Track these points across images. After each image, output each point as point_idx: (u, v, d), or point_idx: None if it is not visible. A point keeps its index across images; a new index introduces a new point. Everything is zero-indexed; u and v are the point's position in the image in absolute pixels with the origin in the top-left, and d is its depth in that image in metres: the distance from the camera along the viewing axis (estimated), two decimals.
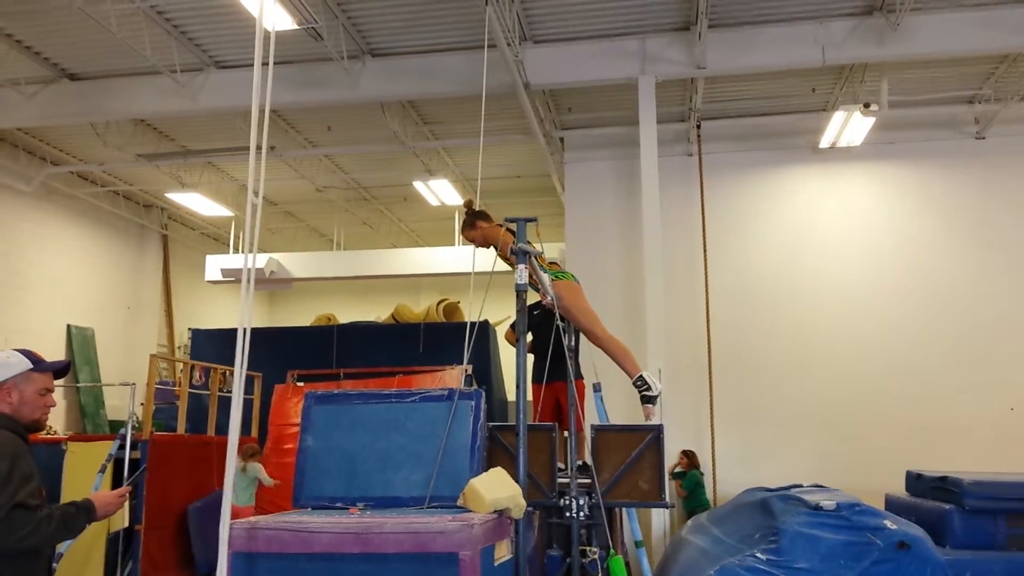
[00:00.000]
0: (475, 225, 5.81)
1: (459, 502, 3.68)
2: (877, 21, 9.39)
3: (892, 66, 10.24)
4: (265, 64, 2.95)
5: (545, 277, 5.13)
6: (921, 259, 11.35)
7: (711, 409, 11.03)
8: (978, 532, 6.34)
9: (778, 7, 9.38)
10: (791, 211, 11.79)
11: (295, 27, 8.50)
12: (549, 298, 5.15)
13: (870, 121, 10.66)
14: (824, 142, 11.37)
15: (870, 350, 11.16)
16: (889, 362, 11.07)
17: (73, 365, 14.40)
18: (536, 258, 5.04)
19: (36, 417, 3.34)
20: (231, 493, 2.95)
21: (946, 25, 9.30)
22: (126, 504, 7.63)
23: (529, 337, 6.87)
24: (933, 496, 6.97)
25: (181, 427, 9.37)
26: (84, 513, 3.25)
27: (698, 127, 11.70)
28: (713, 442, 10.97)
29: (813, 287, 11.48)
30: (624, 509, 6.64)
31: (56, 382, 3.51)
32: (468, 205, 5.88)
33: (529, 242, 4.82)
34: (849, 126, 10.79)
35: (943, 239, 11.39)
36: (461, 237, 15.96)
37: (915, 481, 7.57)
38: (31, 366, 3.31)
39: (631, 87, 10.04)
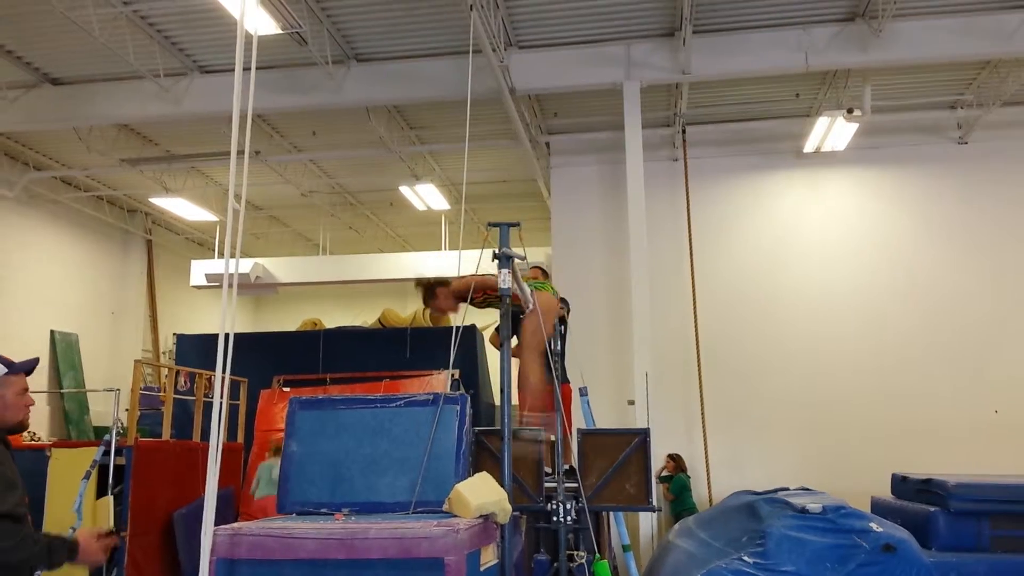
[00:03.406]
0: (436, 294, 5.80)
1: (444, 507, 3.67)
2: (860, 27, 9.45)
3: (875, 72, 10.32)
4: (248, 69, 2.94)
5: (526, 286, 5.13)
6: (905, 263, 11.43)
7: (702, 412, 11.04)
8: (963, 534, 6.37)
9: (762, 13, 9.43)
10: (776, 215, 11.84)
11: (279, 32, 8.48)
12: (531, 306, 5.16)
13: (853, 126, 10.73)
14: (808, 147, 11.43)
15: (855, 353, 11.22)
16: (874, 365, 11.14)
17: (57, 371, 14.30)
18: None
19: (20, 419, 3.34)
20: (214, 500, 2.92)
21: (928, 31, 9.38)
22: (111, 510, 7.58)
23: (515, 342, 6.87)
24: (918, 498, 7.01)
25: (166, 433, 9.31)
26: (68, 552, 3.18)
27: (683, 132, 11.74)
28: (706, 445, 10.99)
29: (798, 290, 11.54)
30: (611, 513, 6.65)
31: (40, 387, 3.52)
32: (419, 283, 5.85)
33: (519, 248, 4.81)
34: (833, 131, 10.85)
35: (926, 243, 11.47)
36: (448, 241, 15.97)
37: (900, 483, 7.60)
38: (5, 370, 3.30)
39: (616, 92, 10.07)
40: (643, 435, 5.17)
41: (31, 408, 3.44)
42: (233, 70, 2.87)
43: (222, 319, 2.79)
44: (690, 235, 11.59)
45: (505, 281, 4.32)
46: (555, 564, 4.97)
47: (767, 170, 11.98)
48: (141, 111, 10.85)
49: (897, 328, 11.24)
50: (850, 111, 10.34)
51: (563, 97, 11.28)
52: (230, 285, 2.86)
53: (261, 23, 8.16)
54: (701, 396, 11.11)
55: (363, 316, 16.46)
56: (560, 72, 10.07)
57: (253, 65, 2.96)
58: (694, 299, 11.42)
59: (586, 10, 9.34)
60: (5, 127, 11.41)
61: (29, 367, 3.45)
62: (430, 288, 5.83)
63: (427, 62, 10.19)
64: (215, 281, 15.46)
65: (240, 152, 2.95)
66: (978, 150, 11.55)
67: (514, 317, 6.28)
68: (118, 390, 8.72)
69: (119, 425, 8.26)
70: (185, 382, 10.50)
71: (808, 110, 11.62)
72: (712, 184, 11.91)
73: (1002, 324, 11.08)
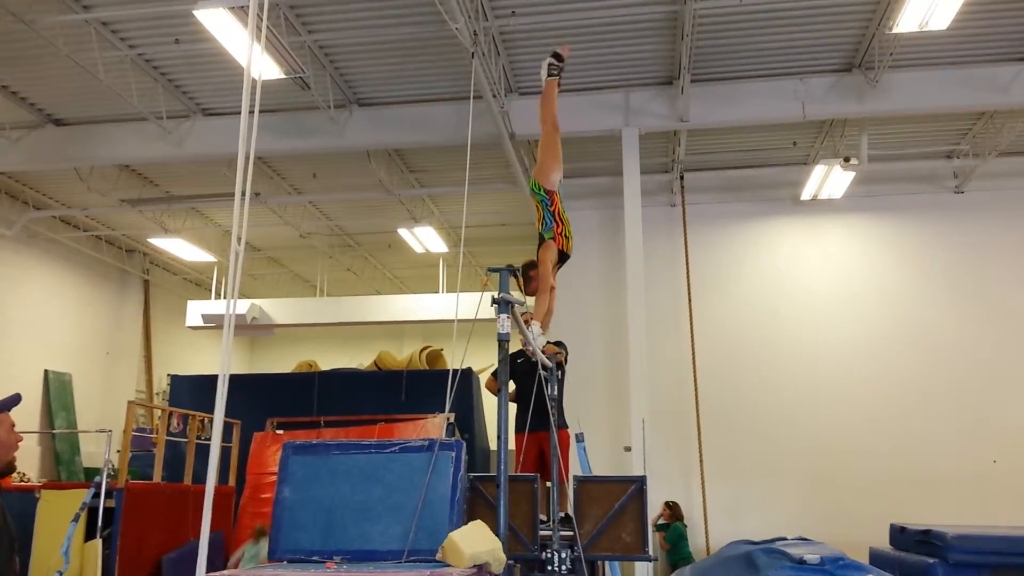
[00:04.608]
0: (531, 276, 5.90)
1: (438, 556, 3.62)
2: (856, 78, 9.58)
3: (871, 121, 10.42)
4: (252, 112, 2.96)
5: (529, 332, 5.10)
6: (902, 311, 11.44)
7: (700, 460, 10.97)
8: None
9: (759, 63, 9.55)
10: (774, 262, 11.88)
11: (282, 76, 8.57)
12: (531, 348, 5.14)
13: (850, 175, 10.82)
14: (805, 195, 11.51)
15: (853, 401, 11.18)
16: (872, 413, 11.08)
17: (49, 411, 14.19)
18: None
19: (11, 457, 3.31)
20: (207, 544, 2.87)
21: (924, 82, 9.50)
22: (99, 554, 7.47)
23: (512, 386, 6.84)
24: (917, 550, 6.94)
25: (157, 475, 9.22)
26: None
27: (681, 178, 11.82)
28: (704, 493, 10.89)
29: (797, 337, 11.52)
30: (607, 562, 6.56)
31: (32, 427, 3.48)
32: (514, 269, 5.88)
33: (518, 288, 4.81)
34: (830, 179, 10.93)
35: (924, 291, 11.49)
36: (446, 284, 15.99)
37: (899, 534, 7.54)
38: None
39: (615, 139, 10.16)
40: (640, 483, 5.12)
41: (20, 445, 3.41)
42: (235, 113, 2.89)
43: (223, 360, 2.77)
44: (688, 281, 11.61)
45: (504, 327, 4.30)
46: None
47: (765, 217, 12.04)
48: (143, 152, 10.91)
49: (895, 376, 11.21)
50: (847, 160, 10.43)
51: (563, 143, 11.27)
52: (230, 326, 2.85)
53: (265, 68, 8.25)
54: (699, 443, 11.04)
55: (359, 358, 16.39)
56: (559, 118, 10.14)
57: (256, 109, 2.98)
58: (692, 345, 11.40)
59: (586, 58, 9.45)
60: (7, 167, 11.46)
61: (13, 403, 3.42)
62: (526, 269, 5.90)
63: (428, 107, 10.29)
64: (211, 322, 15.42)
65: (243, 194, 2.95)
66: (974, 199, 11.63)
67: (528, 364, 6.31)
68: (110, 431, 8.65)
69: (110, 467, 8.17)
70: (178, 424, 10.43)
71: (805, 158, 11.71)
72: (710, 230, 11.96)
73: (1000, 373, 11.06)
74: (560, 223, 5.81)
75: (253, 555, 9.52)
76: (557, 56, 6.24)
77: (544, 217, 5.81)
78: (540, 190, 5.89)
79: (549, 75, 6.15)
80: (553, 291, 5.78)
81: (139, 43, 9.13)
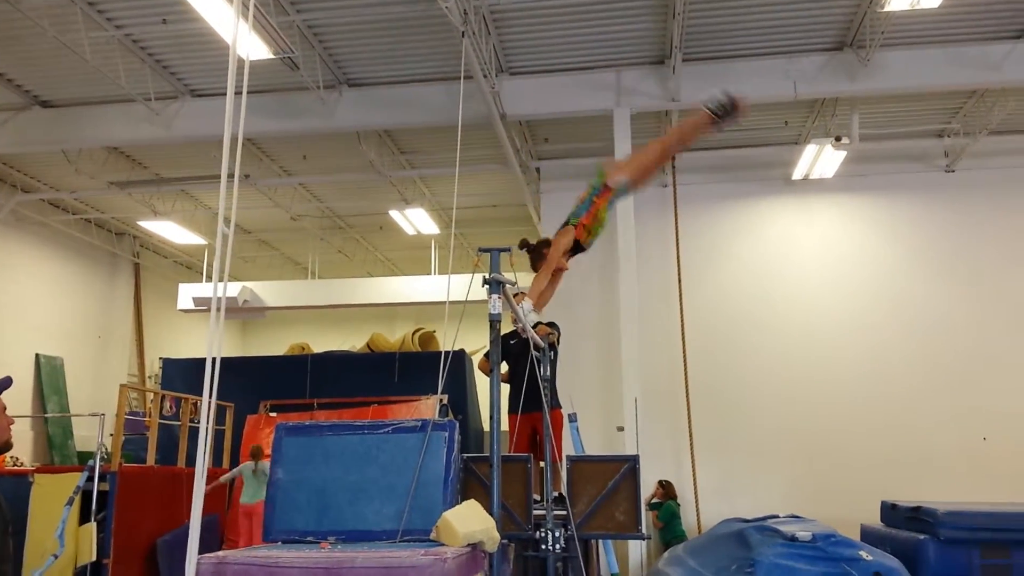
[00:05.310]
0: (543, 254, 5.85)
1: (432, 535, 3.63)
2: (847, 57, 9.55)
3: (863, 100, 10.41)
4: (239, 93, 2.93)
5: (520, 310, 5.09)
6: (893, 290, 11.47)
7: (690, 439, 11.01)
8: (953, 563, 6.36)
9: (750, 42, 9.52)
10: (765, 241, 11.89)
11: (271, 57, 8.50)
12: (520, 325, 5.13)
13: (841, 154, 10.82)
14: (797, 174, 11.51)
15: (844, 380, 11.23)
16: (863, 392, 11.14)
17: (41, 395, 14.17)
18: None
19: (6, 438, 3.29)
20: (199, 528, 2.87)
21: (915, 61, 9.49)
22: (94, 537, 7.48)
23: (505, 367, 6.85)
24: (908, 526, 7.00)
25: (151, 458, 9.24)
26: None
27: (673, 158, 11.78)
28: (695, 472, 10.94)
29: (787, 317, 11.55)
30: (600, 541, 6.60)
31: (24, 412, 3.46)
32: (524, 244, 5.86)
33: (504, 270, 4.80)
34: (821, 159, 10.93)
35: (914, 270, 11.52)
36: (438, 266, 15.97)
37: (890, 511, 7.60)
38: None
39: (607, 118, 10.12)
40: (632, 462, 5.14)
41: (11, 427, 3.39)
42: (224, 94, 2.86)
43: (208, 343, 2.76)
44: (679, 261, 11.61)
45: (495, 307, 4.30)
46: None
47: (756, 197, 12.04)
48: (131, 134, 10.84)
49: (885, 355, 11.25)
50: (838, 139, 10.43)
51: (554, 123, 11.33)
52: (218, 309, 2.83)
53: (253, 48, 8.17)
54: (689, 423, 11.08)
55: (351, 341, 16.39)
56: (551, 98, 10.12)
57: (245, 90, 2.95)
58: (683, 325, 11.42)
59: (577, 38, 9.40)
60: None
61: (4, 385, 3.41)
62: (535, 248, 5.88)
63: (418, 87, 10.23)
64: (203, 305, 15.38)
65: (230, 176, 2.93)
66: (965, 178, 11.64)
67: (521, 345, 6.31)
68: (103, 415, 8.64)
69: (103, 450, 8.17)
70: (171, 407, 10.41)
71: (797, 138, 11.70)
72: (701, 210, 11.95)
73: (990, 351, 11.11)
74: (591, 217, 5.71)
75: (250, 475, 9.67)
76: (732, 101, 5.13)
77: (584, 202, 5.74)
78: (601, 179, 5.80)
79: (707, 107, 5.18)
80: (560, 273, 5.74)
81: (126, 23, 9.04)
